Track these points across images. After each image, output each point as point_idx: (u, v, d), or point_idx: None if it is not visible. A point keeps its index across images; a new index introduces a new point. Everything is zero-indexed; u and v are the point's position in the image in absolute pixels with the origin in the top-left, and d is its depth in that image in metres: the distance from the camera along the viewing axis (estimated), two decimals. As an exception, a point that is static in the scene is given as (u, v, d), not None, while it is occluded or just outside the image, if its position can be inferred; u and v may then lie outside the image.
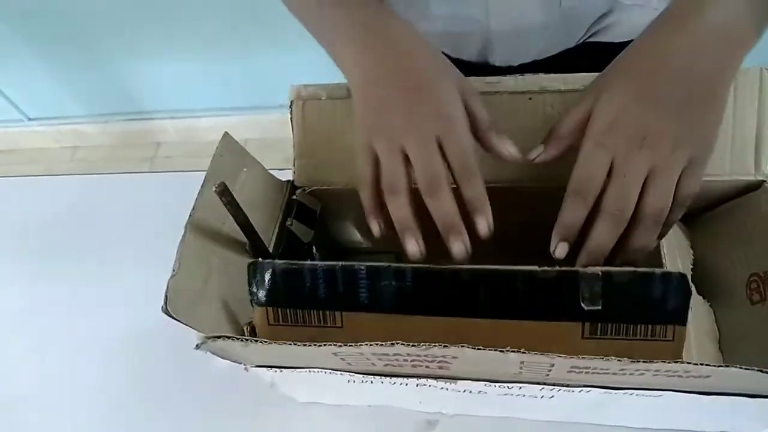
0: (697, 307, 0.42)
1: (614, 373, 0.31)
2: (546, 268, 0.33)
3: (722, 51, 0.33)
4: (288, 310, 0.37)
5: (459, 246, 0.35)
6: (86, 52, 1.57)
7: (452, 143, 0.35)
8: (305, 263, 0.37)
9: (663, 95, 0.33)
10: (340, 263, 0.36)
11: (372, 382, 0.40)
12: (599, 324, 0.33)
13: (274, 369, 0.40)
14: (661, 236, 0.36)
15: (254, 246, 0.43)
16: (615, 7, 0.53)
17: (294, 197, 0.47)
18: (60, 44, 1.55)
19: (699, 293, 0.42)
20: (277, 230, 0.46)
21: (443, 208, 0.35)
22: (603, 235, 0.33)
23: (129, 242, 0.65)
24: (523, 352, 0.29)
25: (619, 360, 0.28)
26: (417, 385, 0.39)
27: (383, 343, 0.31)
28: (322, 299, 0.37)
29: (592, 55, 0.53)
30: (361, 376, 0.39)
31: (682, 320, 0.32)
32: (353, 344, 0.31)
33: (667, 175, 0.32)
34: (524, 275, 0.33)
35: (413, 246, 0.36)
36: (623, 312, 0.33)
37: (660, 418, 0.43)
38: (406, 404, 0.48)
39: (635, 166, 0.32)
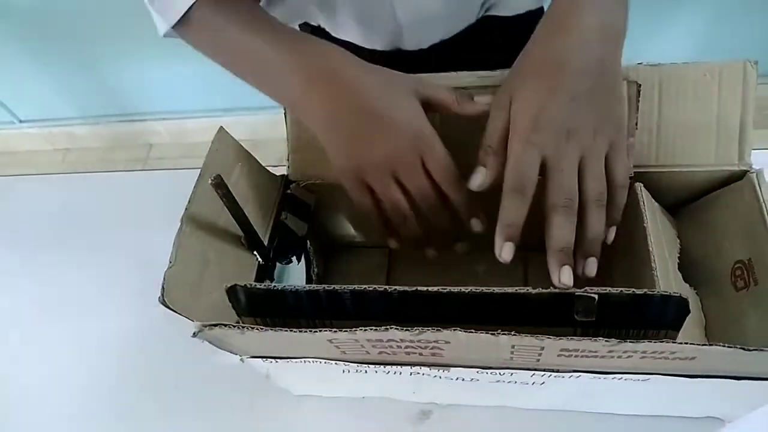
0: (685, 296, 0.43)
1: (602, 356, 0.32)
2: (540, 290, 0.32)
3: (606, 43, 0.36)
4: (277, 320, 0.38)
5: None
6: (77, 53, 1.57)
7: (431, 160, 0.39)
8: (285, 287, 0.35)
9: (572, 91, 0.35)
10: (323, 287, 0.34)
11: (366, 371, 0.40)
12: (591, 330, 0.33)
13: (269, 360, 0.40)
14: (612, 222, 0.38)
15: (249, 239, 0.43)
16: None
17: (288, 191, 0.48)
18: (51, 46, 1.55)
19: (685, 281, 0.43)
20: (272, 224, 0.46)
21: (442, 223, 0.41)
22: (562, 229, 0.35)
23: (122, 240, 0.66)
24: (514, 335, 0.30)
25: (606, 341, 0.29)
26: (411, 374, 0.40)
27: (377, 328, 0.31)
28: (306, 313, 0.36)
29: (491, 28, 0.59)
30: (355, 365, 0.39)
31: (676, 327, 0.32)
32: (348, 330, 0.32)
33: (595, 159, 0.36)
34: (516, 298, 0.32)
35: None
36: (617, 323, 0.33)
37: (648, 404, 0.44)
38: (400, 395, 0.49)
39: (568, 158, 0.35)
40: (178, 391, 0.54)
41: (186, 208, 0.40)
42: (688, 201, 0.46)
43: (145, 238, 0.61)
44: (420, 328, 0.31)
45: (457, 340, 0.32)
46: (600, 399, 0.44)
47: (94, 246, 0.66)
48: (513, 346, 0.32)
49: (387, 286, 0.33)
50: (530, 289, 0.32)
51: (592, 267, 0.37)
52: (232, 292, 0.35)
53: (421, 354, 0.36)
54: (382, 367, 0.39)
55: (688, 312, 0.31)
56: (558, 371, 0.36)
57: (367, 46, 0.60)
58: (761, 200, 0.40)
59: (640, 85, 0.42)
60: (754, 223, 0.40)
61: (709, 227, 0.44)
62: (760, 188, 0.41)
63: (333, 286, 0.34)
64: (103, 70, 1.62)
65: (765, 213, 0.40)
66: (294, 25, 0.60)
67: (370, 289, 0.33)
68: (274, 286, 0.35)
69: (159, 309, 0.35)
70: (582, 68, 0.35)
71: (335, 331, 0.32)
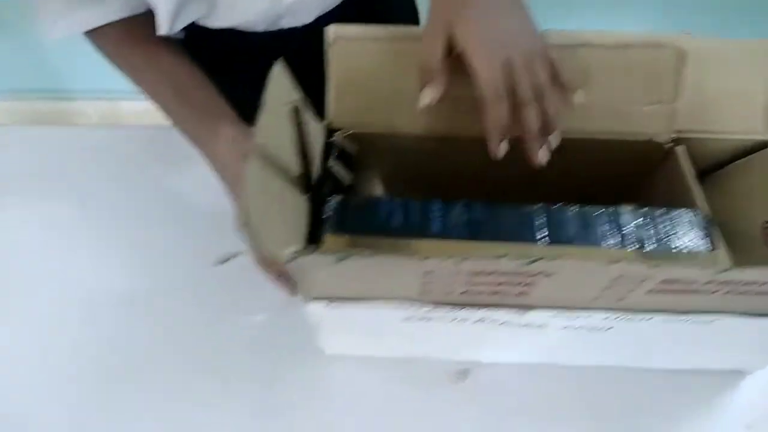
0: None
1: (694, 291, 0.33)
2: (592, 206, 0.39)
3: None
4: (359, 239, 0.36)
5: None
6: None
7: None
8: (381, 197, 0.37)
9: (501, 10, 0.42)
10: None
11: (429, 319, 0.39)
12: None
13: (334, 301, 0.38)
14: (564, 102, 0.43)
15: (305, 179, 0.41)
16: None
17: (332, 140, 0.46)
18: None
19: (718, 241, 0.46)
20: (320, 170, 0.44)
21: None
22: (534, 118, 0.41)
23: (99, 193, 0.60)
24: (625, 263, 0.30)
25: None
26: (475, 322, 0.39)
27: (490, 257, 0.31)
28: (395, 228, 0.37)
29: (359, 4, 0.65)
30: (420, 311, 0.38)
31: None
32: (454, 257, 0.31)
33: (533, 60, 0.42)
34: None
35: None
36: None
37: (690, 354, 0.46)
38: (443, 353, 0.48)
39: (520, 63, 0.41)
40: (207, 356, 0.50)
41: (253, 140, 0.37)
42: (716, 168, 0.49)
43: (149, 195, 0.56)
44: (533, 258, 0.31)
45: (563, 267, 0.32)
46: (642, 350, 0.45)
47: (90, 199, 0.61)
48: (618, 277, 0.32)
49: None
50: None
51: (555, 139, 0.43)
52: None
53: (508, 293, 0.36)
54: (450, 312, 0.38)
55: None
56: (634, 311, 0.37)
57: (246, 30, 0.62)
58: (787, 165, 0.44)
59: (685, 51, 0.45)
60: (782, 186, 0.44)
61: (736, 192, 0.47)
62: (785, 154, 0.44)
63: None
64: (27, 38, 1.49)
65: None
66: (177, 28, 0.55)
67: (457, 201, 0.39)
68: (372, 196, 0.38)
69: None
70: None
71: (429, 259, 0.31)
